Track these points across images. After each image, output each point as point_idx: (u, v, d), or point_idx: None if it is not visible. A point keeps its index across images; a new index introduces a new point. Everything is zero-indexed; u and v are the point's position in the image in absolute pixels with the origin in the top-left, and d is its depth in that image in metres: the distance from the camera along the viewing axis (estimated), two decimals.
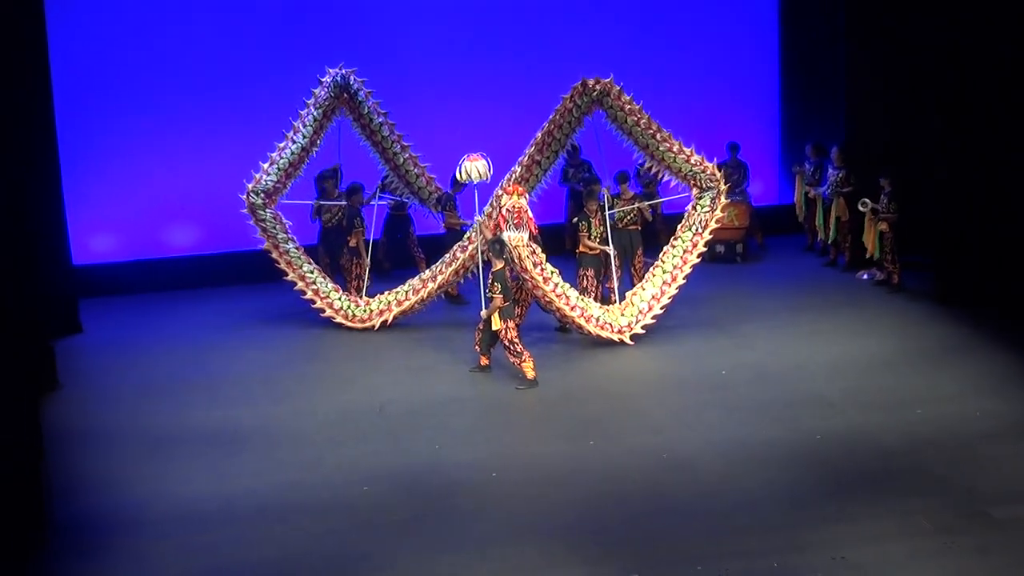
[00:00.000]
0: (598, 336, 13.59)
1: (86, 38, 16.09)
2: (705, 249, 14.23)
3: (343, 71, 14.33)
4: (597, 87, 13.70)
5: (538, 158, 13.85)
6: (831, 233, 16.60)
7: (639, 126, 13.82)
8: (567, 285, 13.52)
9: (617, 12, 17.85)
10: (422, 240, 16.07)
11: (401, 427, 11.61)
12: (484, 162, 13.51)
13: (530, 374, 12.49)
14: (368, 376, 13.04)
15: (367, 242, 14.99)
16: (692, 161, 13.99)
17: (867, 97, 16.43)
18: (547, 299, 13.33)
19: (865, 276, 15.94)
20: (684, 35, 18.23)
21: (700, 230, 14.07)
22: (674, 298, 14.01)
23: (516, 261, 12.97)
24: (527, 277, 13.18)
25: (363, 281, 14.96)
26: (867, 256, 15.65)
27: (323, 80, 14.36)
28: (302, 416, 11.94)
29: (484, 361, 12.93)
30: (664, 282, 13.94)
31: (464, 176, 13.62)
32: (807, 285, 16.03)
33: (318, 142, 14.44)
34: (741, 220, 17.25)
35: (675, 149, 13.96)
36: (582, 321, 13.50)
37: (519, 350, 12.56)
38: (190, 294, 16.25)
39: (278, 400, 12.41)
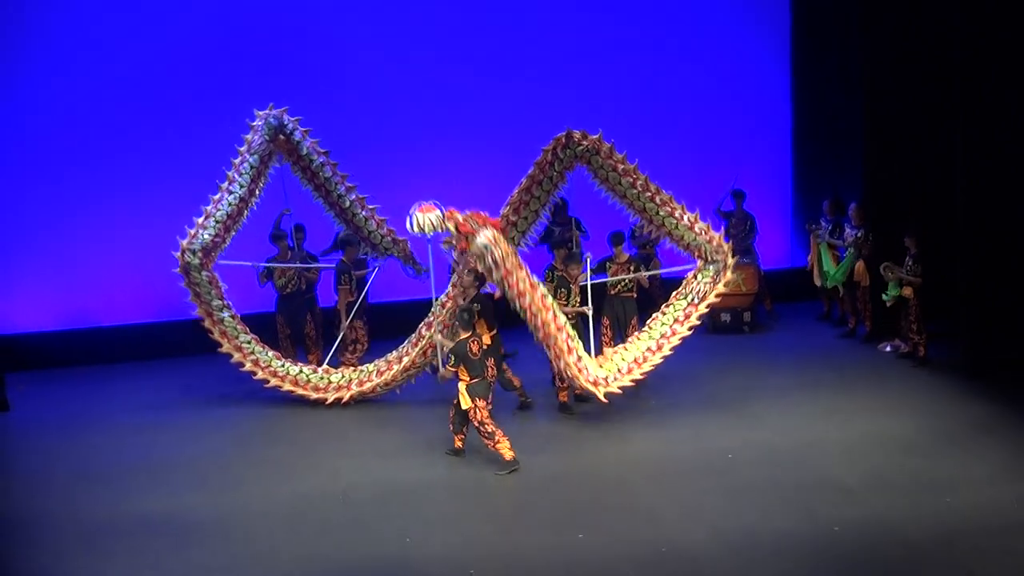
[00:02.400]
0: (571, 376, 13.39)
1: (8, 100, 16.34)
2: (699, 323, 14.22)
3: (274, 111, 14.40)
4: (584, 142, 13.64)
5: (514, 219, 13.90)
6: (833, 281, 16.76)
7: (635, 188, 13.77)
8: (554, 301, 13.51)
9: (617, 54, 18.23)
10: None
11: (367, 516, 11.59)
12: (438, 212, 13.51)
13: (508, 455, 12.54)
14: (331, 459, 13.06)
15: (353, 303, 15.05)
16: (696, 229, 13.97)
17: (888, 148, 16.55)
18: (533, 310, 13.12)
19: (888, 348, 16.03)
20: (689, 78, 18.60)
21: (696, 301, 14.07)
22: (659, 368, 14.01)
23: (500, 261, 12.95)
24: (511, 283, 13.05)
25: (359, 346, 15.14)
26: (886, 303, 15.58)
27: (253, 124, 14.43)
28: (257, 504, 11.91)
29: (458, 443, 13.00)
30: (648, 348, 13.92)
31: (416, 228, 13.67)
32: (823, 357, 16.10)
33: (257, 191, 14.54)
34: (749, 284, 17.37)
35: (677, 215, 13.93)
36: (563, 346, 13.26)
37: (491, 430, 12.61)
38: (130, 367, 16.38)
39: (230, 486, 12.38)
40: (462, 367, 12.62)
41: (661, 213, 13.91)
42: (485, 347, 12.91)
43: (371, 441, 13.50)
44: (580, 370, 13.43)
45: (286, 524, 11.47)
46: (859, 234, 16.54)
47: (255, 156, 14.42)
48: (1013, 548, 10.57)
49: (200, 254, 14.24)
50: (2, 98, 16.30)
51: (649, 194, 13.84)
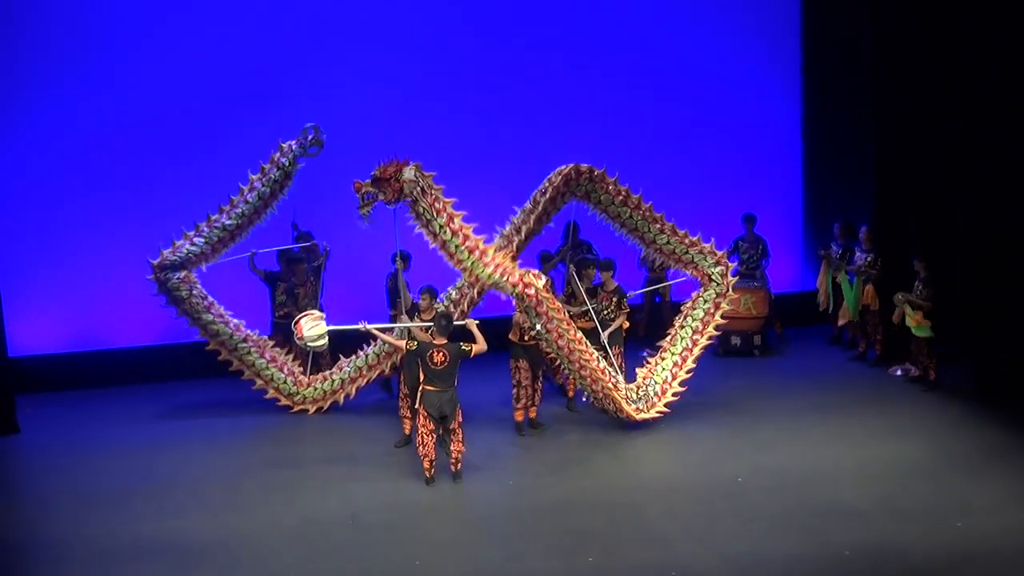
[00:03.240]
0: (618, 406, 13.94)
1: (22, 122, 16.45)
2: (718, 333, 14.78)
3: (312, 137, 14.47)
4: (589, 176, 14.07)
5: (514, 239, 14.13)
6: (847, 311, 16.79)
7: (635, 216, 14.28)
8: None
9: (628, 77, 18.27)
10: None
11: (376, 540, 11.60)
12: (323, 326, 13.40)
13: (425, 471, 12.80)
14: (339, 481, 13.07)
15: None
16: (706, 252, 14.58)
17: (899, 171, 16.53)
18: (569, 349, 13.58)
19: (898, 372, 16.05)
20: (699, 101, 18.62)
21: (712, 310, 14.63)
22: (684, 390, 14.38)
23: (542, 298, 13.36)
24: (549, 321, 13.45)
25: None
26: (895, 330, 15.69)
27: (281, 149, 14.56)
28: (264, 527, 11.91)
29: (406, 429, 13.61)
30: (675, 363, 14.50)
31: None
32: (833, 381, 16.12)
33: (263, 215, 14.82)
34: (759, 308, 17.42)
35: (687, 241, 14.49)
36: (597, 372, 13.80)
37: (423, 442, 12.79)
38: (139, 389, 16.38)
39: (238, 509, 12.38)
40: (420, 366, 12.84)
41: (661, 238, 14.41)
42: (443, 366, 12.79)
43: (379, 463, 13.51)
44: (618, 391, 13.96)
45: (293, 547, 11.47)
46: (868, 258, 16.57)
47: (269, 187, 14.50)
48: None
49: (175, 270, 14.61)
50: (17, 123, 16.40)
51: (649, 221, 14.28)
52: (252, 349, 15.20)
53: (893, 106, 16.49)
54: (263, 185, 14.59)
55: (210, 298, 15.11)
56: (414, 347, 12.95)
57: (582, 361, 13.76)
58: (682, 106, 18.55)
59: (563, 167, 14.08)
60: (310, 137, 14.64)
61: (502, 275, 13.49)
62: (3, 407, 14.87)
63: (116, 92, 16.68)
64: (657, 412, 14.29)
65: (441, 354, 12.71)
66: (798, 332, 18.24)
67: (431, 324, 13.18)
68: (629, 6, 18.30)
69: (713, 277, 14.62)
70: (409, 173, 13.06)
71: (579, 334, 13.86)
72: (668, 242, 14.46)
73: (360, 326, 13.37)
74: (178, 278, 14.78)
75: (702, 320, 14.65)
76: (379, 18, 17.43)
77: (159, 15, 16.72)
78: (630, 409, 14.10)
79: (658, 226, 14.38)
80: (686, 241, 14.51)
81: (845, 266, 16.89)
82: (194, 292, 14.95)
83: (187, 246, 14.64)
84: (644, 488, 12.81)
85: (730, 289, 14.71)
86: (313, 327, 13.23)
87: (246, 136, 16.50)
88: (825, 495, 12.28)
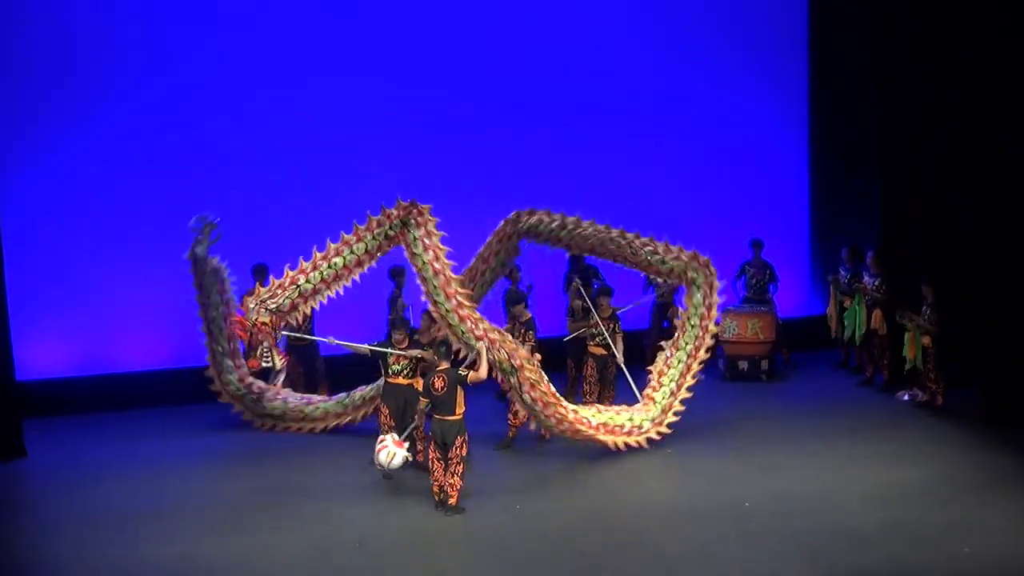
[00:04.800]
0: (613, 445, 14.09)
1: (31, 143, 16.59)
2: (717, 329, 15.05)
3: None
4: (526, 219, 14.65)
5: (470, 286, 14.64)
6: (852, 335, 16.88)
7: (593, 237, 14.67)
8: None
9: (632, 99, 18.43)
10: None
11: (383, 565, 11.59)
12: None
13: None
14: (345, 506, 13.06)
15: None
16: (673, 253, 14.78)
17: (906, 196, 16.51)
18: (556, 413, 13.73)
19: (906, 397, 16.08)
20: (705, 124, 18.77)
21: (706, 312, 14.78)
22: (690, 396, 14.66)
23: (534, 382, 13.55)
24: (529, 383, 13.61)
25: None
26: (905, 369, 15.81)
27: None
28: (271, 552, 11.90)
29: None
30: (676, 383, 14.70)
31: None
32: (840, 406, 16.18)
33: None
34: (766, 333, 17.48)
35: (649, 247, 14.75)
36: (590, 432, 14.00)
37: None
38: (146, 413, 16.46)
39: (244, 534, 12.38)
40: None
41: (637, 247, 14.76)
42: (442, 392, 12.77)
43: (387, 487, 13.51)
44: (611, 431, 14.19)
45: (299, 573, 11.45)
46: (876, 282, 16.64)
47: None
48: None
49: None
50: (22, 149, 16.54)
51: (611, 237, 14.72)
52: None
53: (900, 129, 16.49)
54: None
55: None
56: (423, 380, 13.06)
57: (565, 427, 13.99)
58: (687, 130, 18.68)
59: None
60: (201, 227, 15.04)
61: (499, 349, 13.69)
62: (10, 431, 14.90)
63: (125, 113, 16.83)
64: (655, 434, 14.46)
65: (441, 379, 12.71)
66: (805, 357, 18.31)
67: (394, 349, 13.60)
68: (632, 28, 18.44)
69: (695, 277, 14.77)
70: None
71: (569, 410, 13.99)
72: (641, 252, 14.70)
73: (329, 339, 13.91)
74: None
75: (695, 343, 14.80)
76: (391, 26, 17.68)
77: (163, 37, 16.94)
78: (623, 437, 14.29)
79: (621, 239, 14.66)
80: (660, 251, 14.78)
81: (857, 285, 16.85)
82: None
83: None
84: (650, 513, 12.81)
85: (715, 277, 14.81)
86: (392, 457, 13.00)
87: (258, 160, 17.04)
88: (833, 520, 12.28)
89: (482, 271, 14.95)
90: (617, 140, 18.31)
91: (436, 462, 12.77)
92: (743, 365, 17.43)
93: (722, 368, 17.68)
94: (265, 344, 14.88)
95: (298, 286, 14.53)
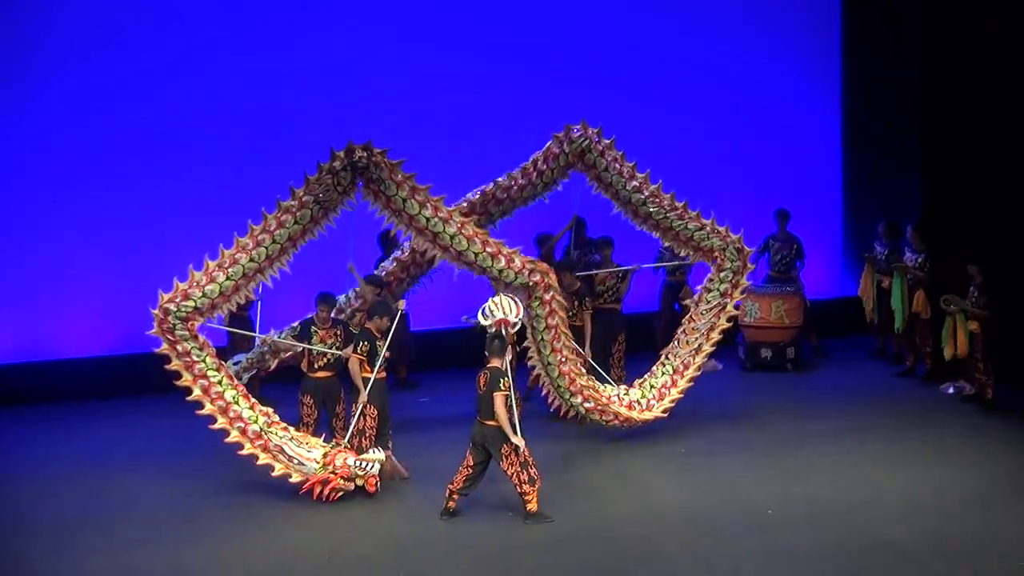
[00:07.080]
0: (626, 419, 14.20)
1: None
2: (737, 312, 14.96)
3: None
4: (585, 136, 13.99)
5: (492, 210, 14.30)
6: (897, 320, 16.68)
7: (638, 191, 14.09)
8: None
9: (664, 69, 18.56)
10: None
11: None
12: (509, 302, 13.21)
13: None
14: (317, 511, 12.81)
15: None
16: (709, 230, 14.38)
17: (949, 164, 16.55)
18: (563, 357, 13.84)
19: (951, 389, 15.94)
20: (733, 93, 18.88)
21: (729, 290, 14.52)
22: (690, 410, 14.62)
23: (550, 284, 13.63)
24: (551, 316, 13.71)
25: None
26: (947, 359, 15.63)
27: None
28: (230, 565, 11.66)
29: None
30: (683, 363, 14.55)
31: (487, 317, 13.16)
32: (876, 400, 16.03)
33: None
34: (792, 317, 17.25)
35: (684, 217, 14.30)
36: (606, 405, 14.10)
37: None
38: (90, 405, 16.44)
39: (200, 544, 12.10)
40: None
41: (669, 217, 14.26)
42: (484, 390, 12.53)
43: (361, 492, 13.23)
44: (630, 406, 14.25)
45: None
46: (919, 259, 16.47)
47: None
48: None
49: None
50: None
51: (652, 197, 14.20)
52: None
53: (942, 87, 16.58)
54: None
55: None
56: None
57: (567, 370, 13.93)
58: (716, 96, 18.77)
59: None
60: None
61: (506, 263, 13.49)
62: None
63: (82, 100, 16.82)
64: (661, 412, 14.40)
65: (484, 376, 12.49)
66: (837, 344, 18.23)
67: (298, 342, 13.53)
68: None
69: (725, 258, 14.49)
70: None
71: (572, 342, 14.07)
72: (672, 219, 14.27)
73: (269, 336, 13.93)
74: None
75: (720, 302, 14.53)
76: (392, 21, 17.74)
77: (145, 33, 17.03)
78: (626, 412, 14.20)
79: (663, 202, 14.25)
80: (695, 223, 14.36)
81: (897, 263, 16.62)
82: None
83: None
84: (661, 520, 12.55)
85: (747, 263, 14.55)
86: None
87: (217, 145, 17.06)
88: (866, 530, 12.03)
89: (521, 186, 14.30)
90: (648, 112, 18.19)
91: (464, 469, 12.49)
92: (766, 353, 17.23)
93: (742, 356, 17.58)
94: None
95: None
